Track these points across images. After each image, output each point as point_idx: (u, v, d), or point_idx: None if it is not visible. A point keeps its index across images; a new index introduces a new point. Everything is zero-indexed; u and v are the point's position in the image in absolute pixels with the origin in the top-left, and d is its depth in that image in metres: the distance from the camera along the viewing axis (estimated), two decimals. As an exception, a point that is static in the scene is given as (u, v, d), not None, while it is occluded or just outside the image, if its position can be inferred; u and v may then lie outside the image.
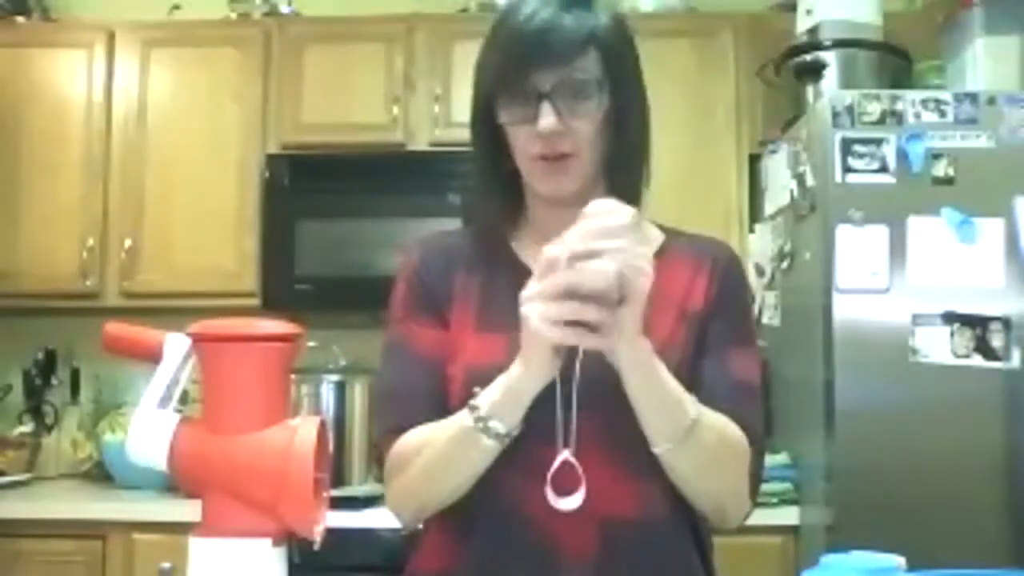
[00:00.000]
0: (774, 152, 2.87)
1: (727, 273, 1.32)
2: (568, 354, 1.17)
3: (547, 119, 1.19)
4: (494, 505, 1.21)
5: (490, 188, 1.32)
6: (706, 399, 1.19)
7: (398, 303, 1.34)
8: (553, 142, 1.21)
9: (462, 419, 1.17)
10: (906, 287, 2.37)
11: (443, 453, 1.20)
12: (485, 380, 1.19)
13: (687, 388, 1.19)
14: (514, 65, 1.20)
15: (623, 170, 1.28)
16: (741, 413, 1.23)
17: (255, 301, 3.09)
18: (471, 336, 1.27)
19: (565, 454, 1.17)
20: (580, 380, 1.17)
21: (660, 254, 1.29)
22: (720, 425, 1.20)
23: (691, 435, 1.14)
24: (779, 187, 2.79)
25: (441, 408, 1.24)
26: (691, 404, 1.15)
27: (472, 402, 1.16)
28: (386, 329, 1.35)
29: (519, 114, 1.22)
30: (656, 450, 1.16)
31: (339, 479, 2.70)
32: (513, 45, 1.21)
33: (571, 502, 1.16)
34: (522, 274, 1.24)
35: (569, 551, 1.19)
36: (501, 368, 1.18)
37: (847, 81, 2.74)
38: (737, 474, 1.23)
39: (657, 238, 1.34)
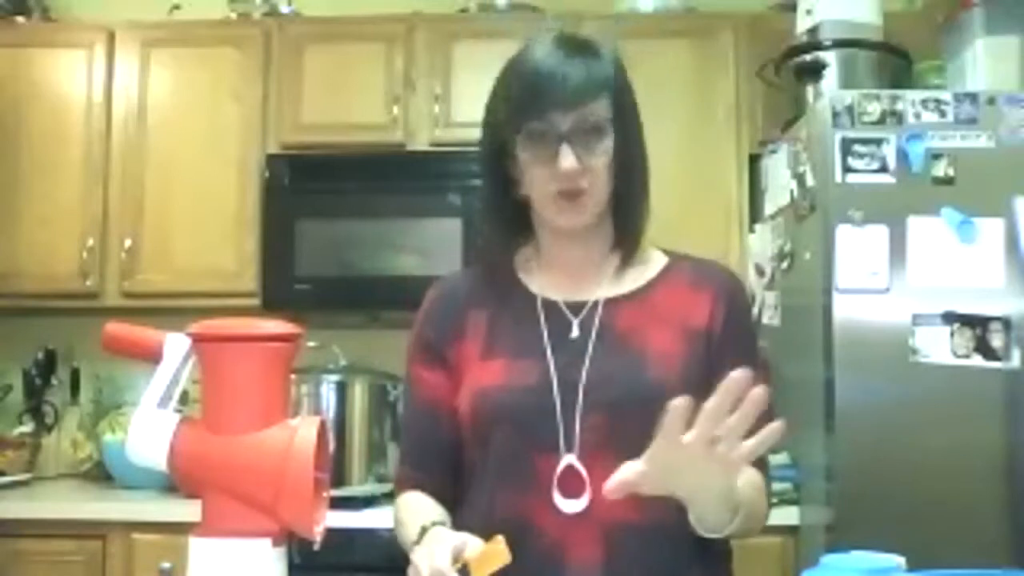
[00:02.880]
0: (774, 152, 2.87)
1: (733, 297, 1.38)
2: (573, 361, 1.28)
3: (568, 160, 1.26)
4: (501, 515, 1.25)
5: (498, 218, 1.39)
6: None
7: (410, 344, 1.44)
8: (571, 179, 1.27)
9: (412, 535, 1.20)
10: (906, 287, 2.37)
11: (405, 546, 1.25)
12: (487, 400, 1.30)
13: (694, 392, 1.20)
14: (533, 107, 1.27)
15: (628, 207, 1.36)
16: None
17: (255, 301, 3.09)
18: (476, 364, 1.34)
19: (569, 458, 1.24)
20: (585, 389, 1.26)
21: (661, 276, 1.39)
22: (752, 493, 1.25)
23: (732, 523, 1.19)
24: (779, 187, 2.79)
25: (443, 443, 1.36)
26: (735, 501, 1.18)
27: (426, 527, 1.19)
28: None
29: (538, 154, 1.28)
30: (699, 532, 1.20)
31: (339, 479, 2.69)
32: (531, 87, 1.27)
33: (576, 505, 1.22)
34: (529, 301, 1.37)
35: (575, 558, 1.23)
36: (497, 388, 1.30)
37: (847, 81, 2.74)
38: (760, 515, 1.31)
39: (660, 263, 1.42)
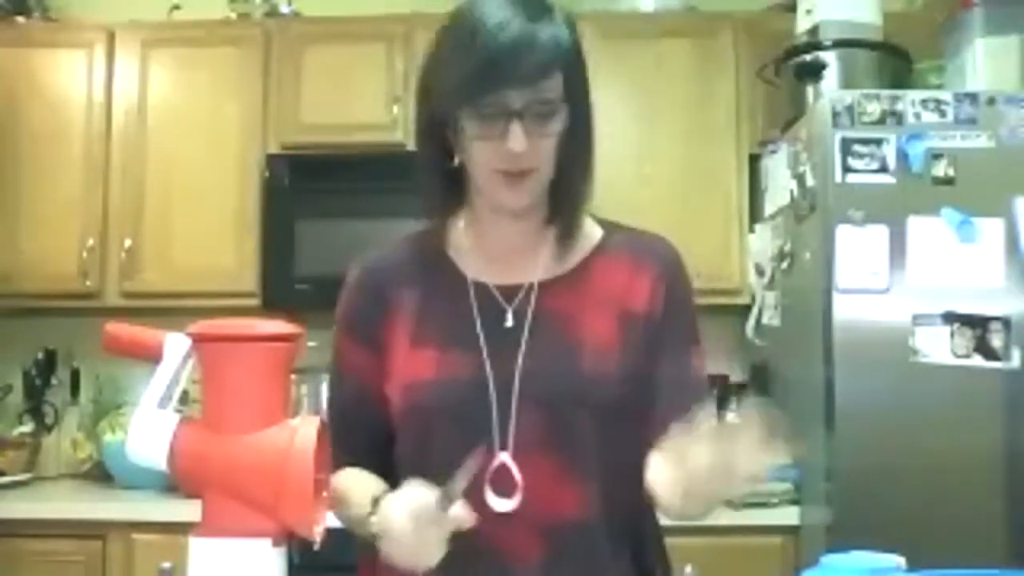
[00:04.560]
0: (774, 152, 2.87)
1: (675, 275, 1.34)
2: (507, 353, 1.25)
3: (517, 139, 1.19)
4: None
5: (432, 188, 1.32)
6: (668, 399, 1.24)
7: (337, 323, 1.41)
8: (519, 160, 1.21)
9: (363, 506, 1.20)
10: (906, 287, 2.37)
11: (352, 521, 1.26)
12: (419, 395, 1.26)
13: (632, 384, 1.24)
14: (486, 82, 1.18)
15: (568, 183, 1.30)
16: (692, 415, 1.27)
17: (255, 301, 3.09)
18: (405, 352, 1.30)
19: (502, 457, 1.22)
20: (519, 386, 1.23)
21: (598, 251, 1.34)
22: None
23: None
24: (779, 187, 2.79)
25: (371, 425, 1.32)
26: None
27: (378, 497, 1.19)
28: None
29: (487, 130, 1.21)
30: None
31: (339, 479, 2.69)
32: (484, 60, 1.18)
33: (508, 504, 1.20)
34: (459, 283, 1.32)
35: (514, 556, 1.21)
36: (430, 382, 1.26)
37: (847, 81, 2.74)
38: None
39: (594, 234, 1.36)
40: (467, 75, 1.19)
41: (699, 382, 1.32)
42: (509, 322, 1.28)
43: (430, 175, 1.31)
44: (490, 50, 1.18)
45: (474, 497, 1.18)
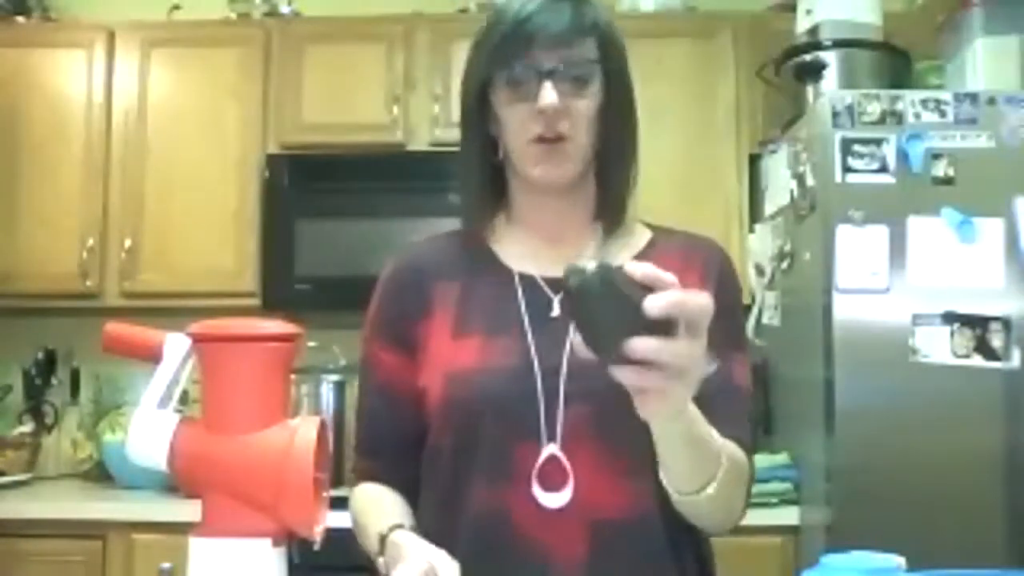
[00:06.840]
0: (774, 152, 2.87)
1: (723, 274, 1.29)
2: (553, 342, 1.19)
3: (549, 96, 1.17)
4: (479, 510, 1.18)
5: (474, 180, 1.29)
6: (704, 404, 1.13)
7: (368, 322, 1.34)
8: (552, 121, 1.19)
9: (373, 542, 1.17)
10: (906, 287, 2.37)
11: (365, 548, 1.23)
12: (463, 384, 1.21)
13: None
14: (516, 44, 1.19)
15: (613, 165, 1.27)
16: (738, 422, 1.20)
17: (255, 301, 3.09)
18: (447, 343, 1.25)
19: (551, 448, 1.16)
20: (567, 375, 1.17)
21: (648, 250, 1.30)
22: (734, 464, 1.13)
23: (711, 486, 1.08)
24: (779, 187, 2.79)
25: (400, 429, 1.27)
26: (717, 459, 1.08)
27: (385, 536, 1.15)
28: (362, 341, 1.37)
29: (520, 92, 1.20)
30: (673, 495, 1.10)
31: (339, 479, 2.69)
32: (515, 27, 1.20)
33: (559, 499, 1.15)
34: (504, 275, 1.27)
35: (559, 555, 1.16)
36: (475, 371, 1.20)
37: (847, 81, 2.74)
38: (738, 499, 1.20)
39: (644, 236, 1.33)
40: (498, 41, 1.21)
41: (739, 390, 1.25)
42: (555, 311, 1.22)
43: (473, 170, 1.28)
44: (518, 18, 1.20)
45: (521, 492, 1.15)
